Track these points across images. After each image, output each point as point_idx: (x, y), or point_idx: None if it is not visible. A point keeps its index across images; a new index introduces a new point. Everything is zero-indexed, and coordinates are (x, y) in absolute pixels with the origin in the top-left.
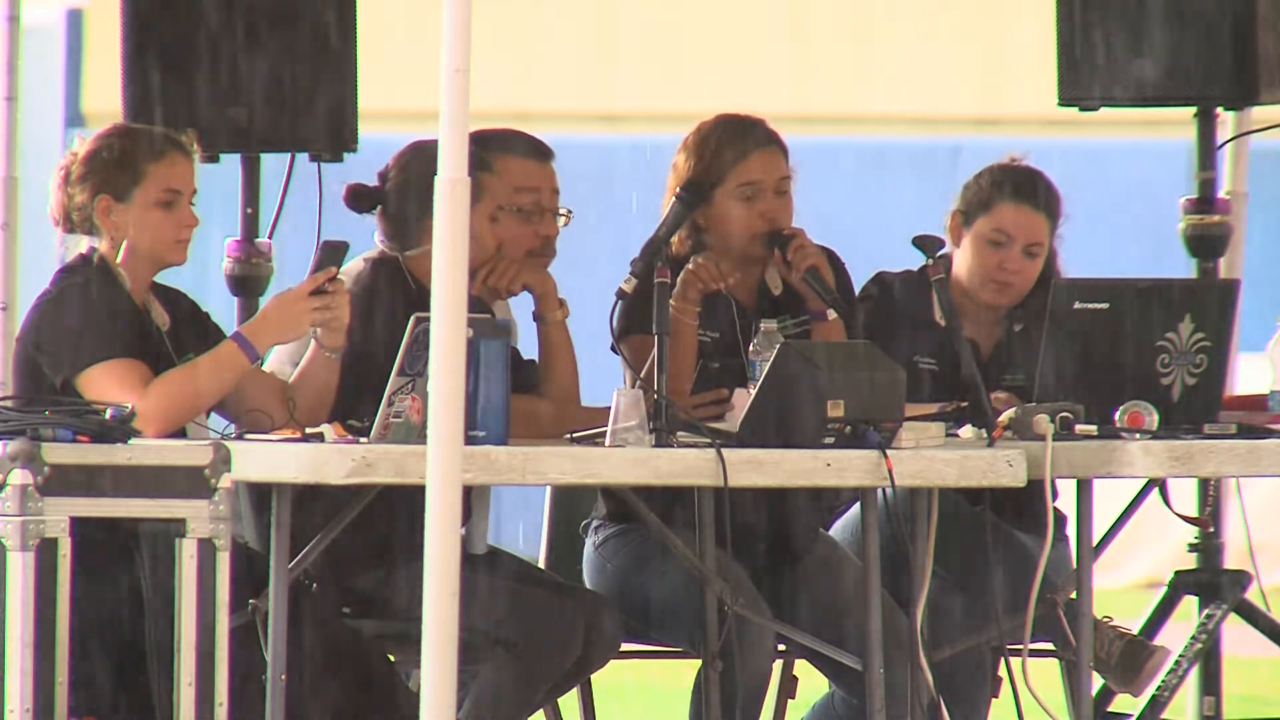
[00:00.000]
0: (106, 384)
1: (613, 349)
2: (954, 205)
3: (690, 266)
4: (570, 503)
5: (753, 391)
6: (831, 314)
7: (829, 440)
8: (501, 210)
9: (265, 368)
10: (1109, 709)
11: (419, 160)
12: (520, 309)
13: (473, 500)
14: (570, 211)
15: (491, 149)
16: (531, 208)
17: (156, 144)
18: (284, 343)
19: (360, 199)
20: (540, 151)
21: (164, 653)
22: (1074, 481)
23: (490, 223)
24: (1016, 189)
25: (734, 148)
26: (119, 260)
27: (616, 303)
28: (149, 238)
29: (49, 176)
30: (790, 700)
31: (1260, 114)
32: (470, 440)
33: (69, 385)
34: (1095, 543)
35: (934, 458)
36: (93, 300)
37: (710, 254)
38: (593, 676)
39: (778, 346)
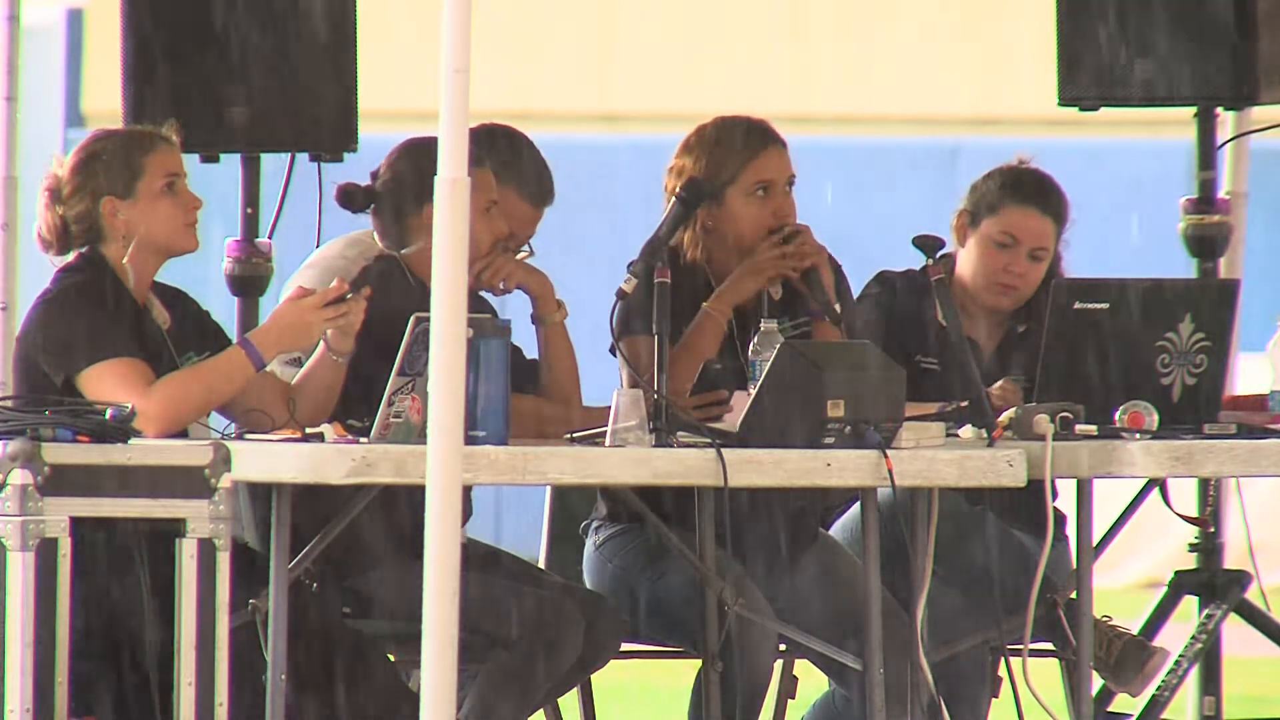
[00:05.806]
0: (107, 383)
1: (612, 350)
2: (961, 205)
3: (775, 254)
4: (570, 503)
5: (753, 391)
6: None
7: (829, 440)
8: (495, 204)
9: None
10: (1109, 709)
11: (409, 158)
12: (520, 309)
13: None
14: (533, 251)
15: (502, 169)
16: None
17: (143, 138)
18: (291, 351)
19: (352, 198)
20: (542, 195)
21: (164, 653)
22: (1074, 481)
23: (484, 215)
24: (1025, 192)
25: (746, 146)
26: (127, 258)
27: (616, 303)
28: (161, 227)
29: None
30: (790, 700)
31: (1260, 114)
32: (470, 440)
33: (70, 385)
34: (1095, 543)
35: (934, 458)
36: (93, 299)
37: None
38: (593, 676)
39: (778, 346)
